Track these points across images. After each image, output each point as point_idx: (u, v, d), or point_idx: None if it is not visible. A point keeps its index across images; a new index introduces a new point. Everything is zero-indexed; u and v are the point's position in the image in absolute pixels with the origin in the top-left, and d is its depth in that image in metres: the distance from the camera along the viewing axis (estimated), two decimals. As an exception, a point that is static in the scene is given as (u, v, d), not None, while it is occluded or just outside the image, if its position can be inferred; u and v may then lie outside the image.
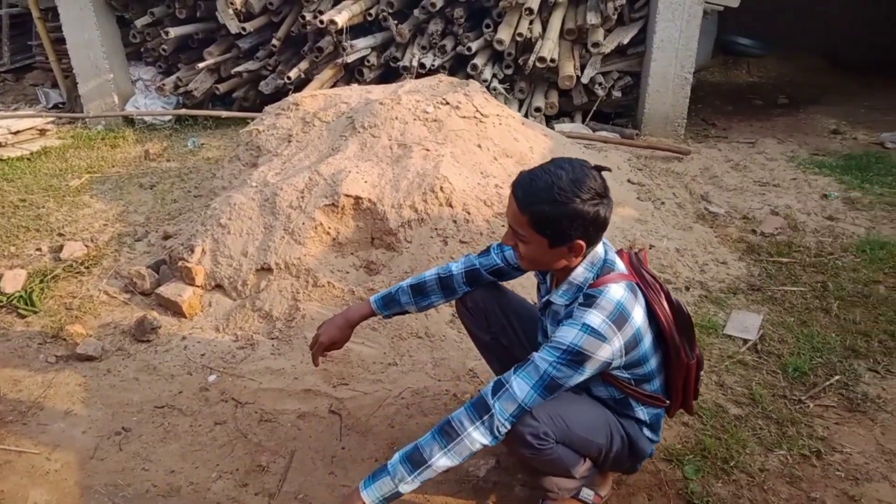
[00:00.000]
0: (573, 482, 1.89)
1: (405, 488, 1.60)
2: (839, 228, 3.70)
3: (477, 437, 1.59)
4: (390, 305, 2.06)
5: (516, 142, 3.45)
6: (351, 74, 5.47)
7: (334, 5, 5.28)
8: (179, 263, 3.12)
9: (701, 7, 4.68)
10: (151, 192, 4.49)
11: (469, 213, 2.99)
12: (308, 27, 5.15)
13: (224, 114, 5.32)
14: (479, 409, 1.60)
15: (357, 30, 5.27)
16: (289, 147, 3.55)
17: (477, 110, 3.44)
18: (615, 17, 4.82)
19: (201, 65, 5.52)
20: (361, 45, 5.15)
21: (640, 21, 5.04)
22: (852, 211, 3.91)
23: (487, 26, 5.10)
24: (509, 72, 5.16)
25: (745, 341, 2.75)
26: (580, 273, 1.68)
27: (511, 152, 3.37)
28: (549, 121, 5.25)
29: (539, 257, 1.65)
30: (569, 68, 4.88)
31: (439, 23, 5.16)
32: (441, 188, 3.01)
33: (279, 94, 5.77)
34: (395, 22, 5.19)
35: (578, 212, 1.53)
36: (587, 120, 5.24)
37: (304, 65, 5.27)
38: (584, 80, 4.99)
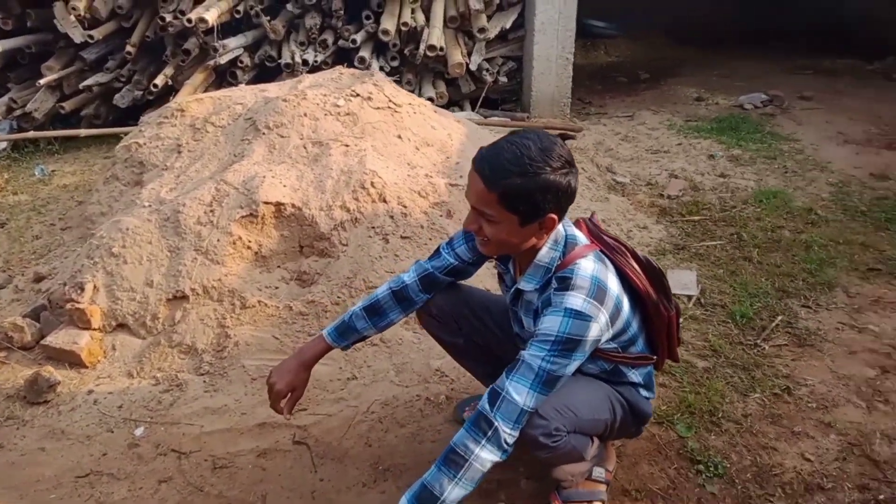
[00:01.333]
0: (584, 465, 1.81)
1: None
2: (732, 184, 3.95)
3: (486, 456, 1.46)
4: (346, 335, 1.87)
5: (434, 130, 3.32)
6: (222, 78, 5.04)
7: (196, 4, 4.82)
8: (67, 306, 2.65)
9: (575, -12, 4.81)
10: (3, 230, 3.83)
11: (405, 207, 2.81)
12: (169, 29, 4.66)
13: (84, 132, 4.68)
14: (481, 426, 1.47)
15: (224, 29, 4.86)
16: (180, 159, 3.16)
17: (390, 100, 3.26)
18: (497, 1, 4.83)
19: (42, 81, 4.81)
20: (234, 45, 4.75)
21: (519, 5, 5.10)
22: (738, 167, 4.20)
23: (368, 17, 4.91)
24: (395, 63, 5.01)
25: (689, 297, 2.82)
26: (545, 254, 1.60)
27: (431, 141, 3.23)
28: (440, 111, 5.15)
29: (507, 238, 1.55)
30: (457, 56, 4.83)
31: (316, 16, 4.89)
32: (372, 183, 2.80)
33: (137, 108, 5.21)
34: (268, 18, 4.84)
35: (551, 182, 1.45)
36: (477, 107, 5.22)
37: (169, 70, 4.76)
38: (473, 66, 4.96)
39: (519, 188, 1.44)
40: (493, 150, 1.48)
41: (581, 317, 1.48)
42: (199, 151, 3.15)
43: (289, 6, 4.88)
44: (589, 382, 1.72)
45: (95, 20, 4.86)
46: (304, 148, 3.00)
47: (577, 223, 1.70)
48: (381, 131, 3.12)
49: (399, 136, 3.15)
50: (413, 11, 4.82)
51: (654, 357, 1.77)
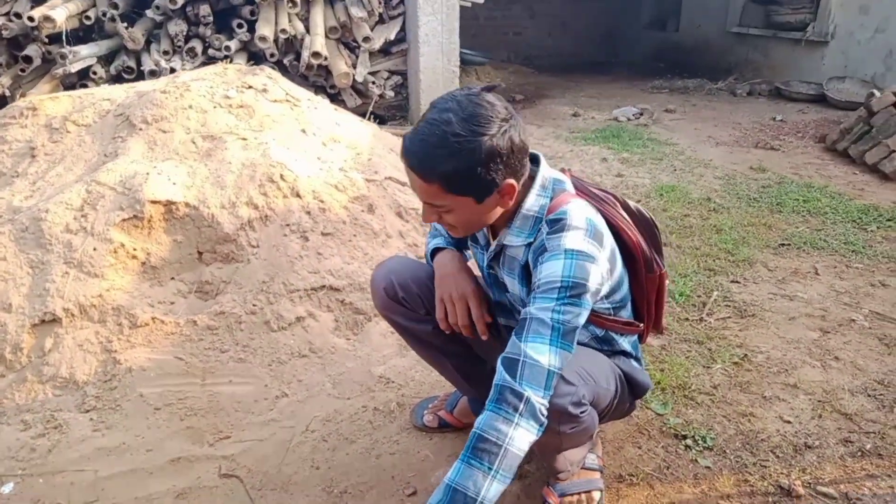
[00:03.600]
0: (581, 451, 1.60)
1: None
2: (630, 181, 4.03)
3: (522, 435, 1.22)
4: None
5: (339, 126, 3.04)
6: (70, 90, 4.38)
7: (34, 7, 4.18)
8: None
9: (457, 0, 4.80)
10: None
11: (323, 202, 2.49)
12: (3, 32, 3.98)
13: None
14: (509, 402, 1.22)
15: (72, 38, 4.25)
16: (35, 163, 2.60)
17: (288, 94, 2.94)
18: (379, 10, 4.68)
19: None
20: (86, 53, 4.16)
21: (399, 18, 4.99)
22: (630, 168, 4.32)
23: (240, 26, 4.54)
24: (275, 75, 4.66)
25: (624, 283, 2.75)
26: (533, 202, 1.39)
27: (338, 137, 2.95)
28: (325, 126, 4.86)
29: (472, 219, 1.36)
30: (342, 65, 4.59)
31: (181, 23, 4.43)
32: (281, 176, 2.46)
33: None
34: (125, 24, 4.31)
35: (490, 150, 1.23)
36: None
37: (6, 80, 4.06)
38: (359, 78, 4.74)
39: (457, 171, 1.24)
40: (415, 138, 1.26)
41: (583, 256, 1.30)
42: (59, 154, 2.62)
43: (149, 13, 4.39)
44: (591, 351, 1.51)
45: None
46: (193, 143, 2.59)
47: (561, 171, 1.52)
48: (281, 125, 2.79)
49: (303, 131, 2.84)
50: (291, 19, 4.54)
51: (641, 325, 1.61)
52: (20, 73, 4.14)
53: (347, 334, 2.27)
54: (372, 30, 4.85)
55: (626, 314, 1.56)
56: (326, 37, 4.71)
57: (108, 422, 1.91)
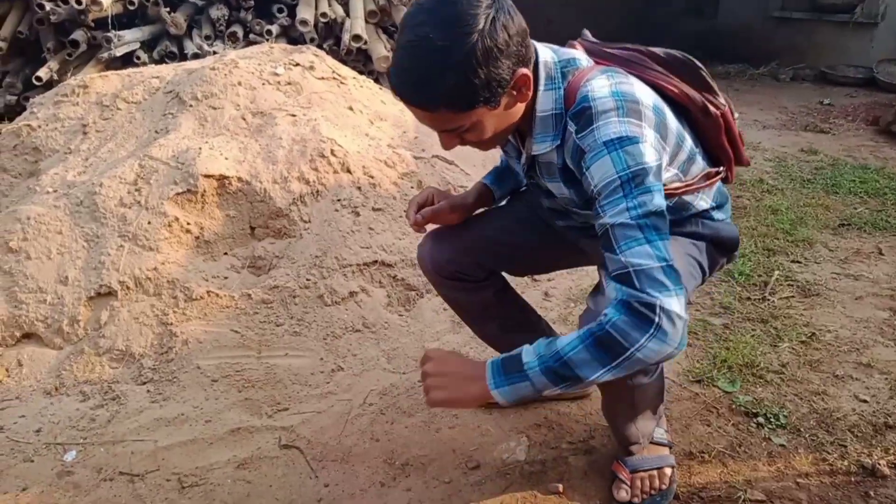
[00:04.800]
0: (652, 422, 1.54)
1: (549, 394, 1.19)
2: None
3: (656, 346, 1.10)
4: (503, 179, 1.67)
5: (385, 105, 3.00)
6: (114, 79, 4.43)
7: (78, -6, 4.22)
8: (-57, 320, 2.05)
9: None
10: None
11: (373, 177, 2.46)
12: (51, 17, 4.02)
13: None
14: (638, 310, 1.10)
15: (117, 23, 4.29)
16: (87, 140, 2.61)
17: (334, 71, 2.92)
18: (419, -7, 4.64)
19: None
20: (130, 38, 4.19)
21: None
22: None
23: (280, 10, 4.53)
24: (314, 60, 4.65)
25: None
26: (545, 100, 1.25)
27: (385, 115, 2.91)
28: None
29: (495, 128, 1.21)
30: (381, 49, 4.55)
31: (222, 7, 4.44)
32: (332, 152, 2.43)
33: (9, 113, 4.47)
34: (168, 10, 4.33)
35: (485, 48, 1.08)
36: (402, 106, 4.97)
37: (54, 64, 4.10)
38: (398, 61, 4.71)
39: (458, 86, 1.10)
40: (400, 71, 1.13)
41: (626, 141, 1.15)
42: (110, 131, 2.63)
43: (191, -3, 4.41)
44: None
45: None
46: (244, 119, 2.58)
47: (570, 46, 1.37)
48: (329, 102, 2.77)
49: (350, 108, 2.81)
50: (331, 3, 4.51)
51: (721, 168, 1.45)
52: (67, 57, 4.18)
53: (400, 310, 2.23)
54: (410, 14, 4.79)
55: (697, 168, 1.40)
56: (366, 21, 4.68)
57: (166, 393, 1.91)
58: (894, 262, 2.62)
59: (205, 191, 2.29)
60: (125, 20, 4.45)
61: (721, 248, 1.47)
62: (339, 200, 2.37)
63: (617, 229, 1.16)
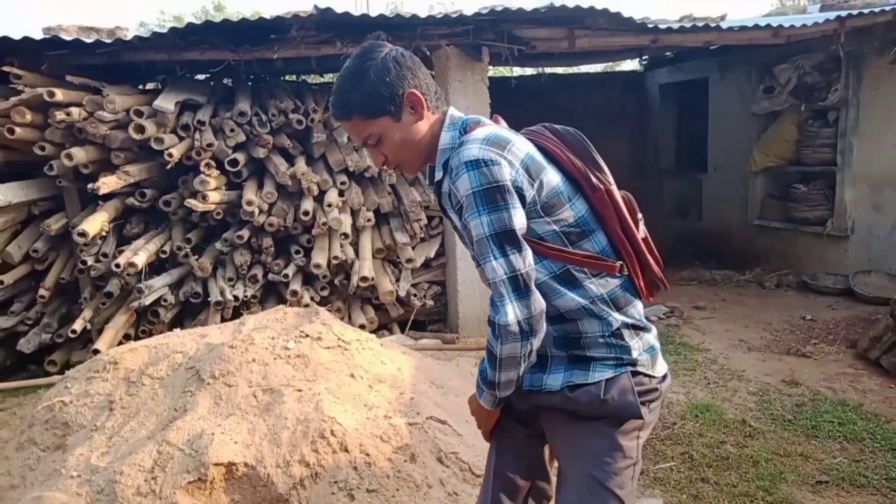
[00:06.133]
0: None
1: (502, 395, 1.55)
2: (666, 398, 4.12)
3: (508, 348, 1.43)
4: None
5: (384, 365, 3.30)
6: (141, 315, 4.86)
7: (118, 245, 4.79)
8: None
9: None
10: None
11: (368, 455, 2.67)
12: (91, 272, 4.54)
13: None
14: (492, 323, 1.43)
15: (148, 267, 4.80)
16: (112, 417, 2.89)
17: (339, 338, 3.25)
18: (421, 234, 5.18)
19: (-61, 329, 4.42)
20: (159, 285, 4.67)
21: (439, 237, 5.49)
22: (664, 379, 4.42)
23: (297, 252, 5.06)
24: (325, 293, 5.10)
25: (663, 529, 2.77)
26: (446, 138, 1.57)
27: (383, 377, 3.20)
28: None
29: (402, 140, 1.56)
30: (387, 284, 5.00)
31: (246, 254, 4.97)
32: (332, 432, 2.67)
33: (42, 351, 4.86)
34: (196, 257, 4.86)
35: (380, 67, 1.50)
36: (407, 330, 5.31)
37: (88, 313, 4.54)
38: (402, 293, 5.14)
39: (363, 95, 1.51)
40: (332, 94, 1.58)
41: (482, 163, 1.42)
42: (134, 407, 2.91)
43: (217, 245, 4.96)
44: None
45: (6, 264, 4.67)
46: (255, 396, 2.86)
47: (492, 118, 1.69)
48: (333, 371, 3.06)
49: (352, 375, 3.10)
50: (342, 246, 5.04)
51: (619, 263, 1.54)
52: (101, 305, 4.64)
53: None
54: (414, 249, 5.32)
55: (590, 246, 1.53)
56: (374, 256, 5.20)
57: None
58: (873, 529, 2.70)
59: (213, 478, 2.49)
60: (156, 264, 4.98)
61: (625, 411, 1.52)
62: (335, 482, 2.56)
63: (476, 243, 1.43)
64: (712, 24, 5.24)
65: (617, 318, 1.53)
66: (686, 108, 9.60)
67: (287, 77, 6.67)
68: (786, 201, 7.23)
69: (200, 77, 5.89)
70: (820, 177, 6.86)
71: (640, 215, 1.62)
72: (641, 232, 1.60)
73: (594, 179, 1.53)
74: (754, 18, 6.76)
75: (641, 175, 10.01)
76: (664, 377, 1.62)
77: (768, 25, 5.32)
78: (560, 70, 10.49)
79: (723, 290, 6.79)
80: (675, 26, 5.18)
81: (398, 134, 1.55)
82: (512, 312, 1.39)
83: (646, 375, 1.56)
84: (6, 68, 4.47)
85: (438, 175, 1.58)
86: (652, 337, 1.61)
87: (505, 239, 1.40)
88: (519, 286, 1.39)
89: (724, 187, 8.35)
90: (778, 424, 3.65)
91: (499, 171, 1.41)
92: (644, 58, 9.12)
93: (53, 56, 4.60)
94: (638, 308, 1.59)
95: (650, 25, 5.08)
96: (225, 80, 5.85)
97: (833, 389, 4.10)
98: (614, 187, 1.56)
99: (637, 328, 1.57)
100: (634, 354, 1.53)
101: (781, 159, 7.21)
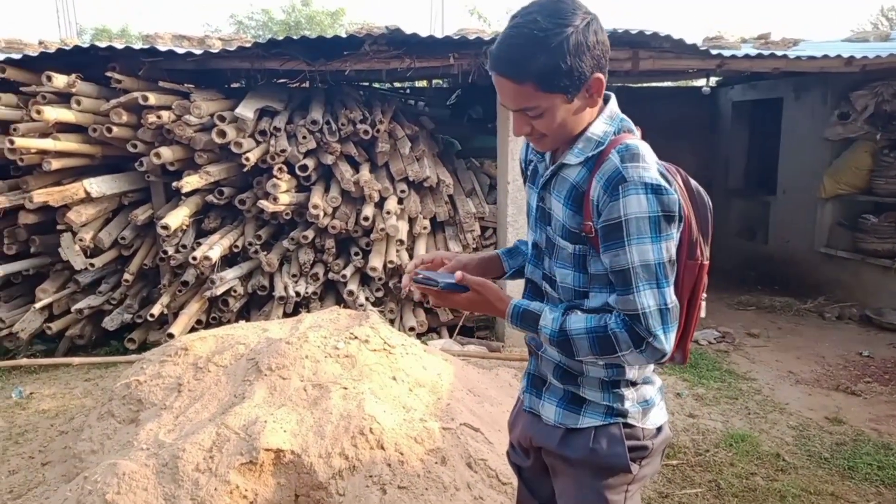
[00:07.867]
0: None
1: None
2: (702, 425, 4.16)
3: (634, 359, 1.41)
4: (514, 255, 1.81)
5: (425, 370, 3.52)
6: (212, 303, 5.28)
7: (197, 238, 5.22)
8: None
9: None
10: (-28, 461, 3.68)
11: (402, 454, 2.90)
12: (171, 262, 4.97)
13: (77, 360, 4.72)
14: (637, 334, 1.38)
15: (221, 258, 5.21)
16: (179, 398, 3.24)
17: (385, 342, 3.50)
18: (474, 244, 5.38)
19: (37, 305, 4.96)
20: (231, 277, 5.06)
21: (491, 247, 5.66)
22: (704, 407, 4.46)
23: (356, 254, 5.35)
24: (380, 294, 5.37)
25: (680, 552, 2.86)
26: (599, 127, 1.46)
27: (423, 381, 3.42)
28: (420, 337, 5.43)
29: (563, 122, 1.42)
30: (438, 291, 5.22)
31: (309, 252, 5.31)
32: (371, 429, 2.91)
33: (123, 328, 5.34)
34: (265, 253, 5.24)
35: (577, 41, 1.32)
36: (455, 335, 5.52)
37: (165, 299, 4.99)
38: (452, 300, 5.34)
39: (547, 65, 1.32)
40: (503, 44, 1.36)
41: (663, 191, 1.34)
42: (199, 391, 3.25)
43: (284, 243, 5.32)
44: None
45: (97, 248, 5.17)
46: (305, 390, 3.13)
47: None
48: (377, 373, 3.31)
49: (394, 378, 3.33)
50: (398, 251, 5.30)
51: None
52: (177, 292, 5.08)
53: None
54: (467, 256, 5.51)
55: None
56: (427, 263, 5.42)
57: None
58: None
59: (263, 462, 2.78)
60: (228, 256, 5.39)
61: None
62: (370, 476, 2.80)
63: (642, 269, 1.36)
64: (779, 53, 5.18)
65: (625, 370, 1.53)
66: (758, 128, 9.38)
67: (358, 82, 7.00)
68: (854, 231, 7.01)
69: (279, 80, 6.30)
70: (892, 208, 6.62)
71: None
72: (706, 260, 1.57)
73: (699, 251, 1.51)
74: (831, 44, 6.60)
75: (709, 192, 9.75)
76: (659, 430, 1.59)
77: (839, 56, 5.21)
78: (631, 83, 10.43)
79: (780, 318, 6.66)
80: (740, 54, 5.16)
81: (563, 115, 1.41)
82: (673, 342, 1.41)
83: (638, 428, 1.55)
84: (109, 73, 4.96)
85: (576, 159, 1.46)
86: (651, 390, 1.60)
87: (670, 269, 1.40)
88: (675, 316, 1.41)
89: (791, 212, 8.14)
90: (813, 461, 3.64)
91: (674, 203, 1.37)
92: (711, 79, 8.97)
93: (149, 62, 5.06)
94: (649, 366, 1.59)
95: (714, 52, 5.08)
96: (302, 85, 6.23)
97: (878, 431, 4.04)
98: (707, 262, 1.54)
99: (637, 382, 1.56)
100: (626, 405, 1.54)
101: (853, 188, 7.00)
